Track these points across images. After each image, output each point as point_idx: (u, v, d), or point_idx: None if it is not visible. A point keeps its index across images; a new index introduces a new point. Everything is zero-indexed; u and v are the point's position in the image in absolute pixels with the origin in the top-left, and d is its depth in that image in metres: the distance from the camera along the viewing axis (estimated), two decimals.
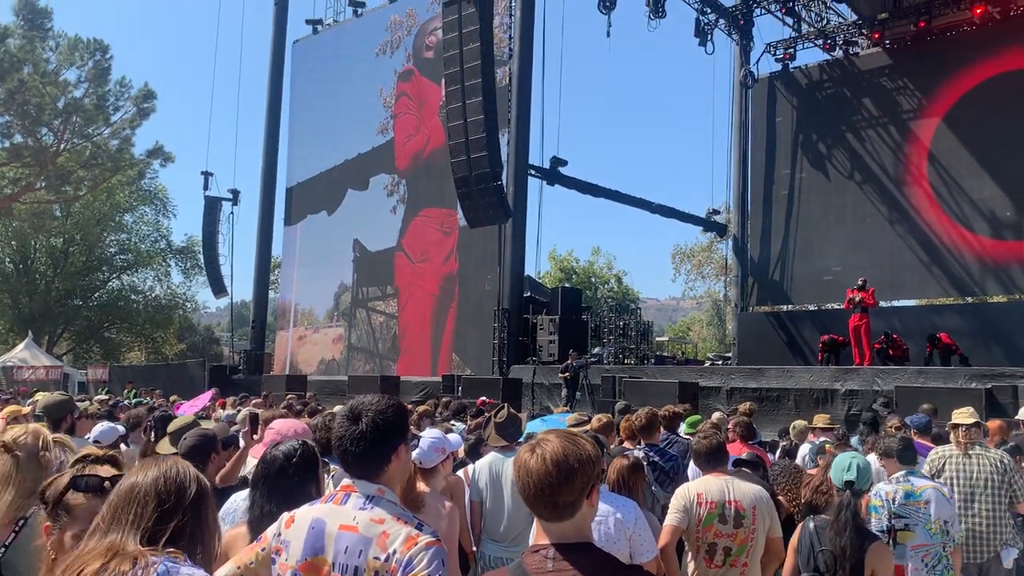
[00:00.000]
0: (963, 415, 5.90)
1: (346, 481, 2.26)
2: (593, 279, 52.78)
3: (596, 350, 21.50)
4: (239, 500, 3.29)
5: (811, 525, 3.96)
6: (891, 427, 7.19)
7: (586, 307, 25.14)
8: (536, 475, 1.98)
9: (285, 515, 2.29)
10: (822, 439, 6.98)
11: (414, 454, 4.04)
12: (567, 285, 38.02)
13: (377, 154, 26.98)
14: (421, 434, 4.38)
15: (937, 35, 21.77)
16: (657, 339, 34.08)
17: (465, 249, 23.19)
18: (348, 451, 2.22)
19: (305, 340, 29.35)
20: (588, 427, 5.48)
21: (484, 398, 12.40)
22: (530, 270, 23.13)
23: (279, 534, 2.24)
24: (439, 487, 4.18)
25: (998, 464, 5.61)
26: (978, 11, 20.39)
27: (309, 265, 29.10)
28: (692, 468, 5.86)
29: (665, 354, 30.15)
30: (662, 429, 6.72)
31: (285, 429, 3.39)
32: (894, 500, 4.74)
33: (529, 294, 22.19)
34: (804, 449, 7.59)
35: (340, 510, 2.19)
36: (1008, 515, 5.61)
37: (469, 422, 8.29)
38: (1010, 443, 6.60)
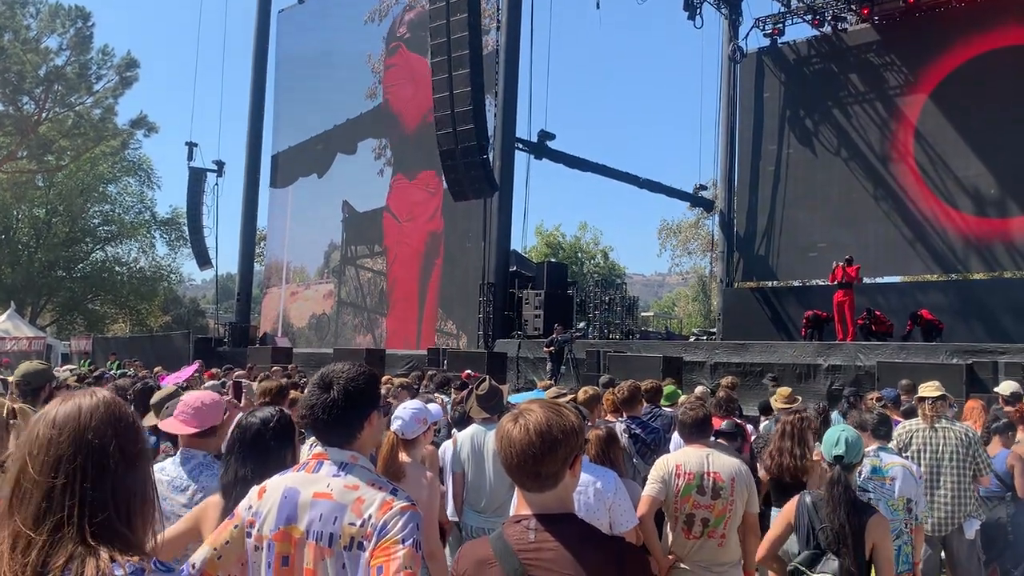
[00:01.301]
0: (929, 388, 5.94)
1: (318, 449, 2.24)
2: (579, 254, 52.82)
3: (581, 325, 21.56)
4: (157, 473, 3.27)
5: (807, 499, 3.89)
6: (871, 400, 7.26)
7: (572, 282, 25.18)
8: (519, 445, 1.97)
9: (256, 487, 2.26)
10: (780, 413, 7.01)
11: (395, 426, 4.06)
12: (553, 260, 38.07)
13: (365, 119, 27.64)
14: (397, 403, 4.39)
15: (926, 12, 21.72)
16: (642, 314, 34.18)
17: (450, 208, 23.40)
18: (319, 419, 2.18)
19: (297, 296, 30.34)
20: (567, 399, 5.50)
21: (469, 371, 12.43)
22: (516, 244, 23.18)
23: (251, 507, 2.21)
24: (420, 458, 4.19)
25: (963, 437, 5.67)
26: None
27: (300, 225, 29.94)
28: (674, 441, 5.91)
29: (650, 329, 30.28)
30: (645, 402, 6.76)
31: (193, 401, 3.34)
32: (860, 473, 4.78)
33: (515, 268, 22.20)
34: (764, 424, 7.65)
35: (313, 478, 2.17)
36: (972, 487, 5.67)
37: (454, 395, 8.32)
38: (1002, 420, 6.59)
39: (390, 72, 27.04)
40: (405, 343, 24.62)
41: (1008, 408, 7.35)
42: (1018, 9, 19.92)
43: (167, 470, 3.21)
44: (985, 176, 20.19)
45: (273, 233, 32.15)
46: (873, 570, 3.70)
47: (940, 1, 21.48)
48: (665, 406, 7.13)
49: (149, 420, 3.44)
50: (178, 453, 3.33)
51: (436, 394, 8.40)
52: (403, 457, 4.01)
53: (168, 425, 3.36)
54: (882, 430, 5.00)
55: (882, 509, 4.71)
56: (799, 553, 3.82)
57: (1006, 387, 8.18)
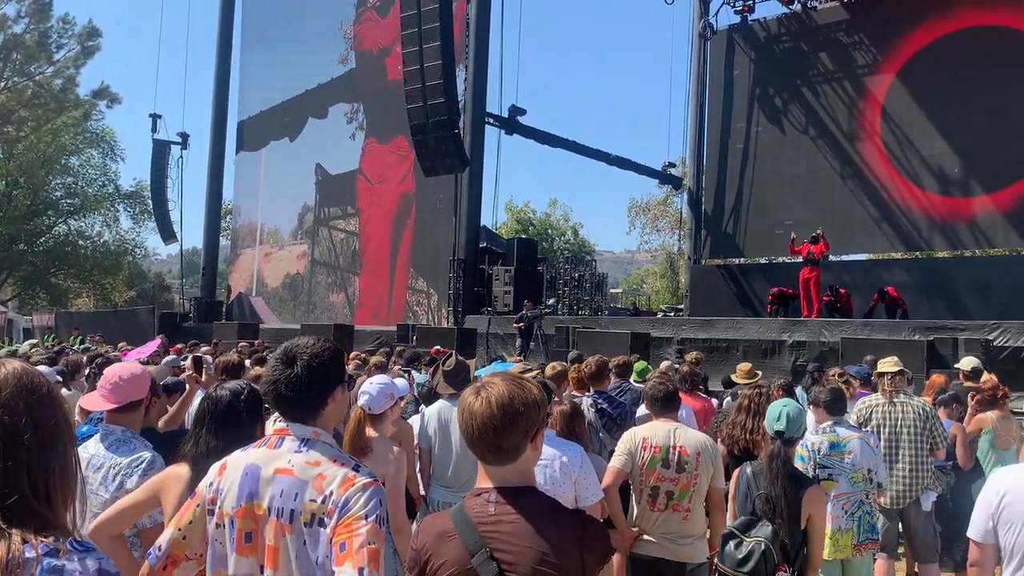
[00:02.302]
0: (888, 364, 6.03)
1: (280, 424, 2.21)
2: (550, 231, 52.80)
3: (551, 301, 21.62)
4: None
5: (748, 470, 4.03)
6: (832, 376, 7.37)
7: (542, 258, 25.21)
8: (480, 418, 1.96)
9: (216, 464, 2.23)
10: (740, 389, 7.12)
11: (362, 401, 4.04)
12: (523, 236, 38.01)
13: (337, 84, 27.82)
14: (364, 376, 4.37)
15: None
16: (611, 291, 34.37)
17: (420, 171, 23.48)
18: (282, 395, 2.15)
19: (271, 257, 30.78)
20: (533, 374, 5.51)
21: (438, 347, 12.41)
22: (486, 220, 23.09)
23: (212, 483, 2.18)
24: (387, 432, 4.19)
25: (920, 412, 5.78)
26: None
27: (273, 187, 30.18)
28: (640, 415, 5.95)
29: (619, 305, 30.45)
30: (615, 377, 6.83)
31: (112, 375, 3.27)
32: (819, 451, 4.86)
33: (485, 244, 22.17)
34: (726, 400, 7.76)
35: (274, 454, 2.14)
36: (929, 461, 5.80)
37: (426, 371, 8.31)
38: (948, 392, 6.79)
39: (361, 36, 26.99)
40: (377, 301, 25.03)
41: (969, 383, 7.51)
42: None
43: (89, 448, 3.15)
44: (949, 156, 20.44)
45: (245, 195, 32.09)
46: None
47: None
48: (637, 382, 7.19)
49: (89, 401, 3.33)
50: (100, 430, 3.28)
51: (410, 370, 8.38)
52: (370, 432, 4.00)
53: (88, 401, 3.29)
54: (836, 406, 5.06)
55: (843, 483, 4.81)
56: (736, 518, 3.94)
57: (967, 363, 8.35)
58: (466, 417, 1.99)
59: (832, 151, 22.45)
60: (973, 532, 2.78)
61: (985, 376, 7.37)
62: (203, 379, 4.76)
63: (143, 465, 3.06)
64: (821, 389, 5.28)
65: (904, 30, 21.36)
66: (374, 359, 8.63)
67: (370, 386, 4.15)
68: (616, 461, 4.34)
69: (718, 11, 25.18)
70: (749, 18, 24.55)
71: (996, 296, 18.04)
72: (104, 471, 3.07)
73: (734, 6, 24.68)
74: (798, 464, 4.71)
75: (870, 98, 21.96)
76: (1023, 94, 19.05)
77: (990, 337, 12.59)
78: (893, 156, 21.43)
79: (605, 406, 6.04)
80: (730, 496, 4.21)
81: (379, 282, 25.68)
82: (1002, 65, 19.43)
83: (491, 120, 21.38)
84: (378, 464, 3.83)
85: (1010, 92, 19.20)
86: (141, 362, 6.19)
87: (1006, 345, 12.54)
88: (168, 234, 32.86)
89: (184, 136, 32.15)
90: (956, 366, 8.80)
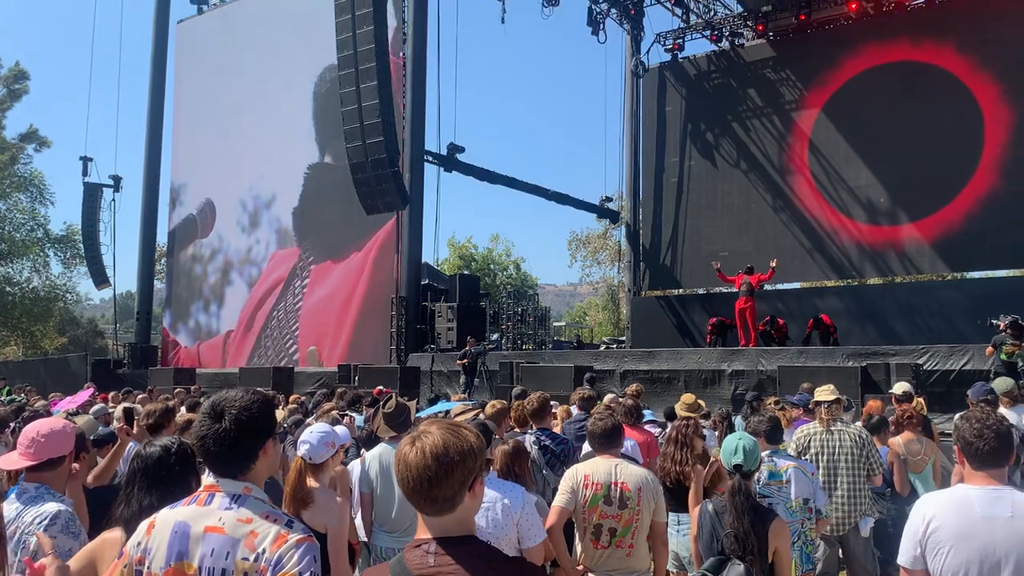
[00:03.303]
0: (824, 392, 6.16)
1: (210, 480, 2.17)
2: (492, 266, 52.86)
3: (494, 336, 21.63)
4: None
5: (709, 507, 3.98)
6: (769, 404, 7.49)
7: (484, 294, 25.24)
8: (415, 469, 1.93)
9: (144, 522, 2.17)
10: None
11: (303, 450, 3.98)
12: (466, 272, 38.06)
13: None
14: (308, 425, 4.31)
15: (816, 28, 22.70)
16: (555, 324, 34.52)
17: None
18: (211, 450, 2.11)
19: None
20: (472, 414, 5.47)
21: (381, 387, 12.28)
22: (428, 257, 23.10)
23: (139, 543, 2.12)
24: (328, 482, 4.12)
25: (857, 439, 5.91)
26: (853, 6, 21.45)
27: None
28: (587, 451, 5.96)
29: (562, 339, 30.59)
30: (578, 410, 6.91)
31: (30, 431, 3.11)
32: (759, 480, 4.89)
33: (427, 281, 22.12)
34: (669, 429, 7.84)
35: (204, 511, 2.10)
36: (867, 487, 5.92)
37: (367, 412, 8.20)
38: (875, 417, 6.97)
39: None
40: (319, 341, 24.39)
41: (901, 407, 7.72)
42: (900, 27, 21.04)
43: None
44: (875, 186, 21.16)
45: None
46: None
47: (829, 18, 22.49)
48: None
49: (6, 461, 3.14)
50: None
51: (348, 413, 8.25)
52: (311, 482, 3.93)
53: (6, 461, 3.10)
54: (774, 435, 5.14)
55: (781, 512, 4.87)
56: (703, 559, 3.90)
57: (899, 387, 8.60)
58: (401, 468, 1.97)
59: (763, 183, 23.05)
60: (902, 559, 2.84)
61: (916, 400, 7.59)
62: (134, 431, 4.63)
63: (45, 521, 2.82)
64: (760, 419, 5.34)
65: (827, 66, 22.17)
66: (334, 413, 8.34)
67: (310, 435, 4.09)
68: (559, 500, 4.32)
69: (649, 49, 25.91)
70: (679, 56, 25.24)
71: (924, 321, 18.65)
72: (12, 530, 2.85)
73: (664, 44, 25.37)
74: None
75: (798, 132, 22.66)
76: (941, 126, 19.90)
77: (920, 361, 12.97)
78: (822, 187, 22.09)
79: (548, 443, 6.03)
80: (692, 536, 4.18)
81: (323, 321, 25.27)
82: (921, 98, 20.30)
83: (430, 158, 21.46)
84: (320, 515, 3.77)
85: (929, 124, 20.05)
86: (71, 412, 5.99)
87: (935, 368, 12.94)
88: (101, 279, 32.01)
89: (116, 179, 31.48)
90: (891, 391, 9.04)
